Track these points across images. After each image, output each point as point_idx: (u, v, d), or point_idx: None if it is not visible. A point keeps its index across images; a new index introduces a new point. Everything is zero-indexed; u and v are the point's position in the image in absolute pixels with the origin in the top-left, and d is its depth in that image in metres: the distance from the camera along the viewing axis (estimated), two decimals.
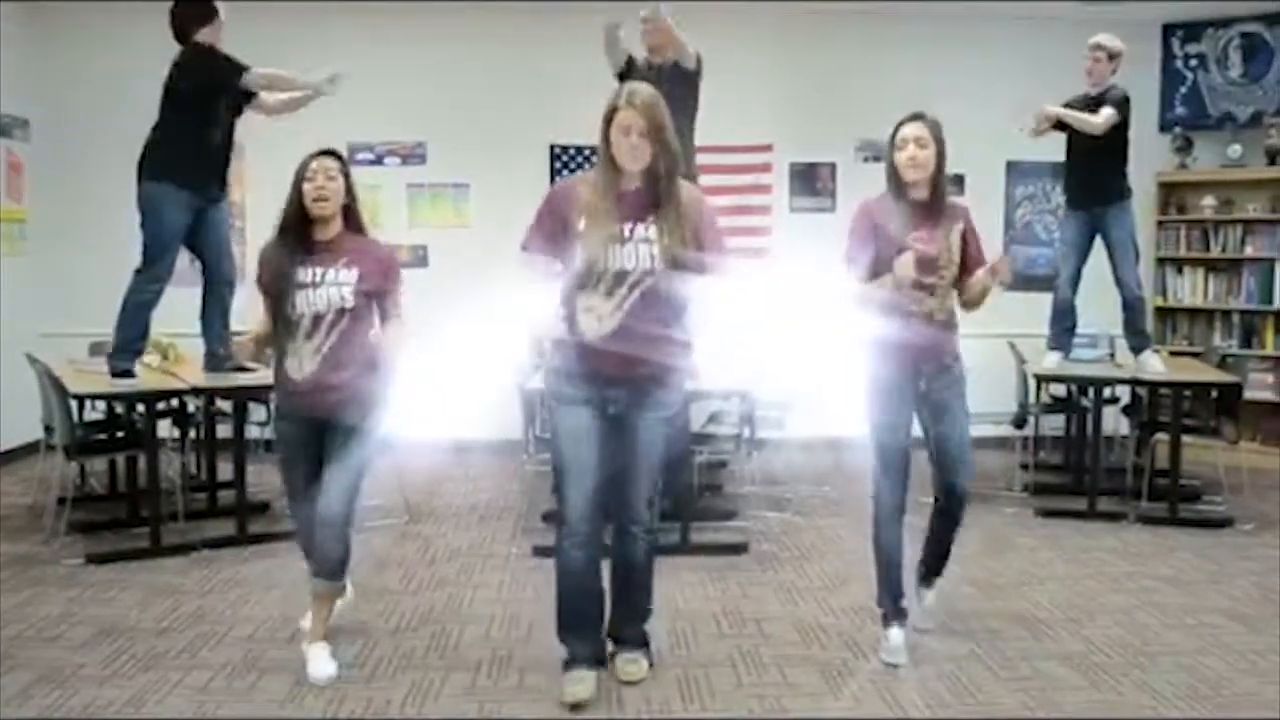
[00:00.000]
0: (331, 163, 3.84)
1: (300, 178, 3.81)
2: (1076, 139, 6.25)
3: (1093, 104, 6.17)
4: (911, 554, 4.21)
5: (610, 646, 3.85)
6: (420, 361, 4.11)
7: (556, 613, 3.72)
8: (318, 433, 3.84)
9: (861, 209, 4.03)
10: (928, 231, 3.90)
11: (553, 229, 3.51)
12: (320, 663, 3.85)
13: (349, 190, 3.89)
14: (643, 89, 3.45)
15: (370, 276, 3.82)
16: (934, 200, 3.94)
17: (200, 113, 5.37)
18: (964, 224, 4.01)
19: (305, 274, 3.77)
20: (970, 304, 4.07)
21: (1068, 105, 6.24)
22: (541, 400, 3.52)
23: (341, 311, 3.76)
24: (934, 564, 4.33)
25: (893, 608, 4.09)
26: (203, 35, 5.36)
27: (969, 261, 4.02)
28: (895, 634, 4.05)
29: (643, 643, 3.87)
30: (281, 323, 3.81)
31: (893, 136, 3.93)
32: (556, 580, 3.67)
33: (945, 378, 3.99)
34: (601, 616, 3.79)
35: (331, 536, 3.81)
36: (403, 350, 3.88)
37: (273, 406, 4.01)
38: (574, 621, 3.72)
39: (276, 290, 3.80)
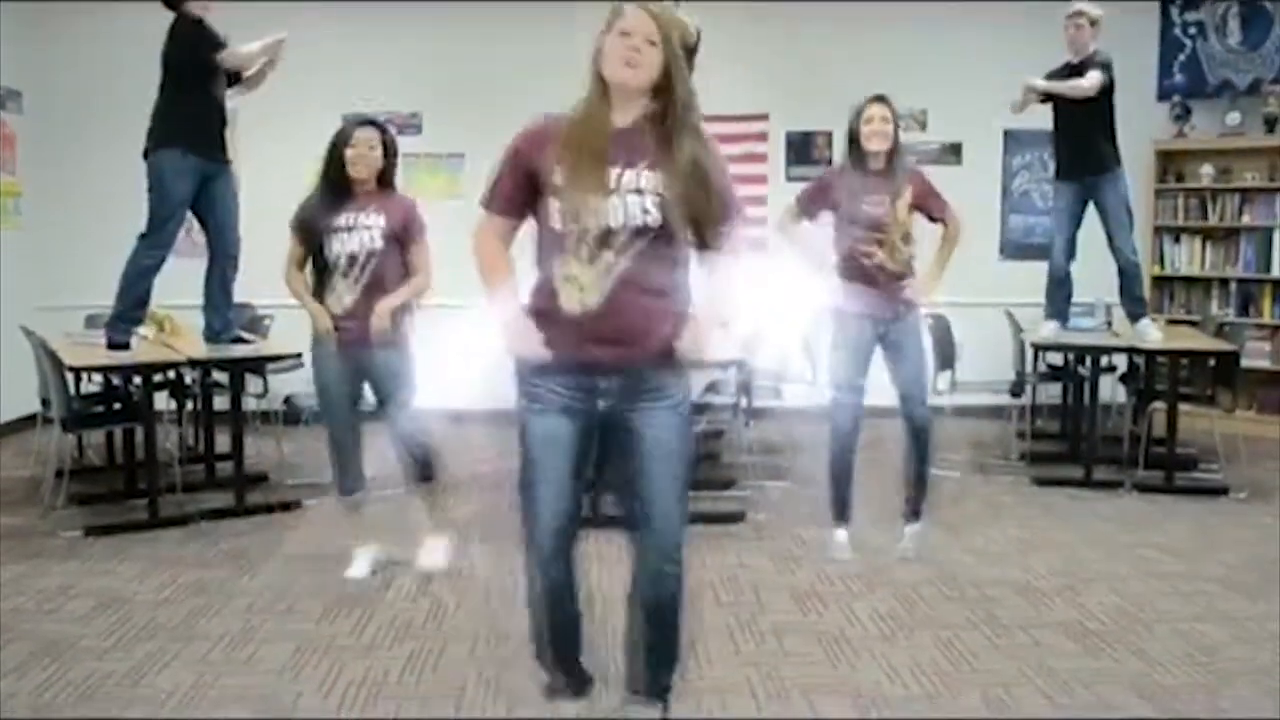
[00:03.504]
0: (373, 133, 4.39)
1: (343, 142, 4.34)
2: (1064, 109, 6.23)
3: (1075, 72, 6.14)
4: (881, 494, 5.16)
5: (623, 693, 3.12)
6: (420, 331, 4.59)
7: (532, 636, 3.04)
8: (354, 362, 4.43)
9: (828, 172, 5.06)
10: (878, 195, 4.63)
11: (519, 182, 2.78)
12: (437, 553, 4.72)
13: (386, 155, 4.44)
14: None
15: (394, 220, 4.39)
16: (888, 169, 4.66)
17: (195, 80, 5.36)
18: (915, 186, 4.72)
19: (340, 220, 4.34)
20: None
21: (1050, 76, 6.21)
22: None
23: (371, 253, 4.34)
24: (914, 499, 4.92)
25: (839, 514, 4.92)
26: (192, 5, 5.32)
27: (930, 212, 4.79)
28: (840, 533, 4.92)
29: (663, 693, 3.07)
30: (320, 264, 4.41)
31: (858, 113, 4.66)
32: (528, 602, 2.99)
33: (900, 324, 4.70)
34: (580, 639, 3.09)
35: (416, 445, 4.56)
36: (415, 297, 4.50)
37: (311, 338, 4.52)
38: (552, 648, 3.05)
39: (315, 235, 4.38)
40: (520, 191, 2.78)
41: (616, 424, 2.80)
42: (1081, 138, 6.23)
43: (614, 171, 2.66)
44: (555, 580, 2.91)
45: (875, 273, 4.64)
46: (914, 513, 4.91)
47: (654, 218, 2.66)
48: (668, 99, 2.70)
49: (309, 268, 4.53)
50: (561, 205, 2.67)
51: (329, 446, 4.60)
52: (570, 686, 3.10)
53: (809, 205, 4.83)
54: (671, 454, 2.82)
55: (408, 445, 4.56)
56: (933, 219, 4.81)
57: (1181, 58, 8.27)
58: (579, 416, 2.80)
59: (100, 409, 6.22)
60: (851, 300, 4.66)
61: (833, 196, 4.74)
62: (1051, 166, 8.28)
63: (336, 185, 4.37)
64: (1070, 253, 6.42)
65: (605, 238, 2.66)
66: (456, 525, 5.37)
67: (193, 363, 5.67)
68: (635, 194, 2.66)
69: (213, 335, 5.67)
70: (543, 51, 7.73)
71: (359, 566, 4.62)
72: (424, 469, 4.63)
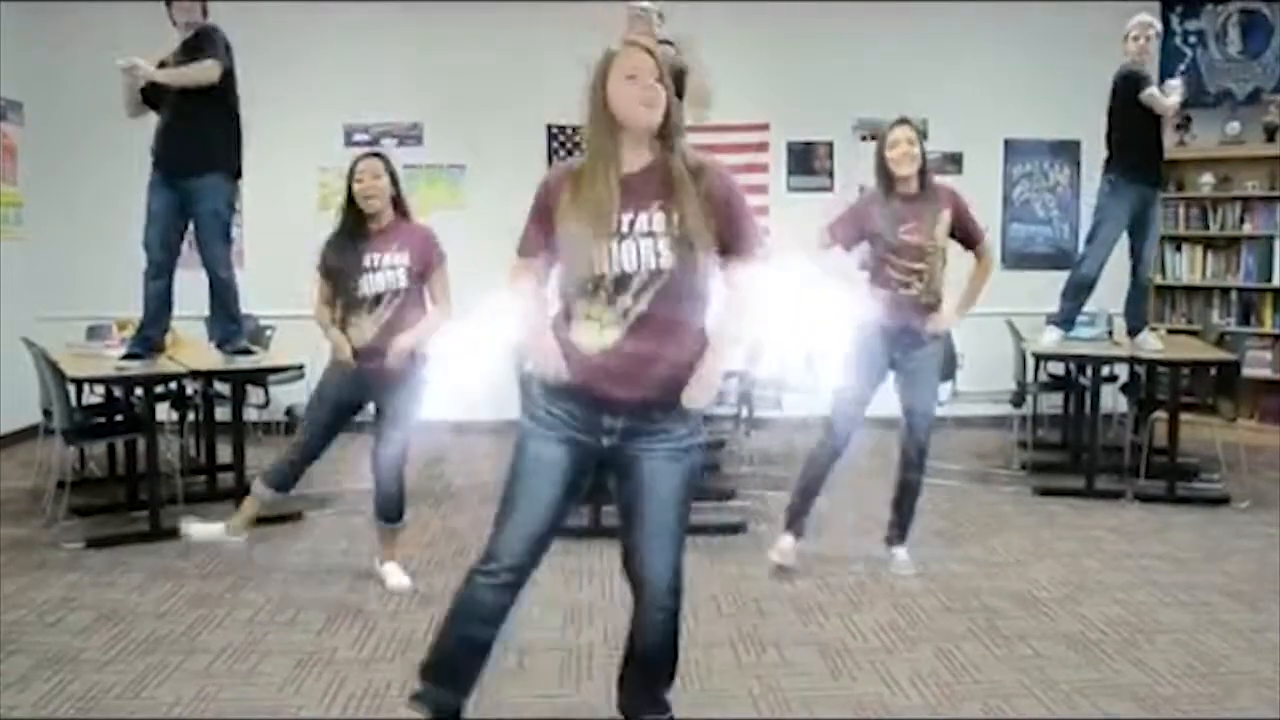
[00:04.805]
0: (376, 163, 4.46)
1: (351, 178, 4.42)
2: (1143, 113, 6.11)
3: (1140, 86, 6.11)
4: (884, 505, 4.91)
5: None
6: (437, 345, 4.56)
7: (433, 647, 2.97)
8: (365, 382, 4.47)
9: (863, 200, 4.80)
10: (916, 222, 4.53)
11: (544, 229, 2.79)
12: (397, 577, 4.66)
13: (394, 184, 4.49)
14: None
15: (417, 257, 4.44)
16: (920, 192, 4.57)
17: (152, 97, 5.38)
18: (951, 207, 4.61)
19: (367, 260, 4.40)
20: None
21: (1139, 78, 6.14)
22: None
23: (397, 291, 4.41)
24: (900, 524, 4.85)
25: (793, 522, 4.82)
26: (175, 10, 5.32)
27: (966, 238, 4.69)
28: (787, 538, 4.81)
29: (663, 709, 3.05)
30: (346, 300, 4.46)
31: (883, 139, 4.60)
32: (449, 615, 2.93)
33: (920, 351, 4.63)
34: (479, 674, 2.97)
35: (391, 480, 4.59)
36: (435, 332, 4.51)
37: (329, 357, 4.59)
38: (448, 669, 2.95)
39: (341, 274, 4.45)
40: (546, 236, 2.79)
41: (617, 462, 2.82)
42: (1153, 144, 6.21)
43: (626, 217, 2.66)
44: (489, 602, 2.87)
45: (907, 303, 4.57)
46: (901, 536, 4.86)
47: (667, 260, 2.66)
48: (668, 134, 2.72)
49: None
50: (577, 252, 2.69)
51: (293, 441, 4.65)
52: (441, 707, 2.94)
53: (842, 235, 4.68)
54: (667, 497, 2.81)
55: (383, 477, 4.59)
56: (967, 246, 4.71)
57: (1181, 67, 8.27)
58: (579, 450, 2.79)
59: (102, 420, 6.22)
60: (875, 317, 4.58)
61: (868, 226, 4.62)
62: (1052, 175, 8.41)
63: (354, 221, 4.44)
64: (1104, 264, 6.27)
65: (621, 282, 2.67)
66: (458, 535, 5.40)
67: (194, 374, 5.67)
68: (648, 237, 2.66)
69: (217, 345, 5.68)
70: (543, 63, 7.76)
71: (202, 531, 4.76)
72: (389, 509, 4.66)
